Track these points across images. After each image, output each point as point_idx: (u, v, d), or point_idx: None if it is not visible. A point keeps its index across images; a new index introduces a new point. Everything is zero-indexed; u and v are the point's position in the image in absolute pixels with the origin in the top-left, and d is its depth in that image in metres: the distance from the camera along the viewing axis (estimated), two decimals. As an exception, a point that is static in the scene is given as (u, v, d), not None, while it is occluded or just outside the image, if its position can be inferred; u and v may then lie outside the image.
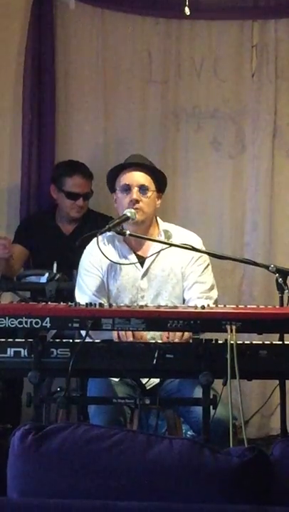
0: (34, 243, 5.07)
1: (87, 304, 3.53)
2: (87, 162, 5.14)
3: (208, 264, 4.03)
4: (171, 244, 3.92)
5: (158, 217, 4.10)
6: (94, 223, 4.70)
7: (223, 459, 2.13)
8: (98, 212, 5.14)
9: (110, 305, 3.56)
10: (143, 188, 3.98)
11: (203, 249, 3.97)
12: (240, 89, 5.41)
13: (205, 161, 5.45)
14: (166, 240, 3.95)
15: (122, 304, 3.79)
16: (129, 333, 3.69)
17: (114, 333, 3.68)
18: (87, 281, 3.99)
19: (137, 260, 3.98)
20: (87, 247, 3.99)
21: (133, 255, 4.01)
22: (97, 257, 3.92)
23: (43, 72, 5.34)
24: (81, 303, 3.59)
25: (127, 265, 3.96)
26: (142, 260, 3.98)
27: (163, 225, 4.08)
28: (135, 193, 3.96)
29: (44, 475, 2.16)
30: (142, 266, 4.00)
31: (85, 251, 4.01)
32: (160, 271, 4.00)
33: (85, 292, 3.97)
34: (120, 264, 3.96)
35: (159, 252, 3.96)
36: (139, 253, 4.02)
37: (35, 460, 2.17)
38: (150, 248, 4.01)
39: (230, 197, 5.45)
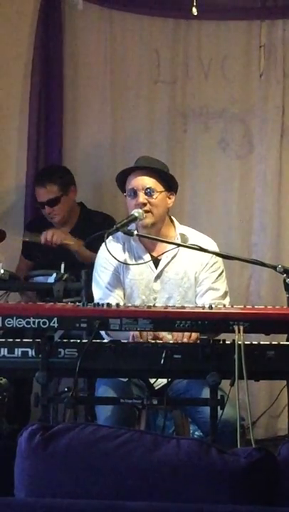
0: (38, 246, 5.05)
1: (94, 304, 3.54)
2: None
3: (222, 271, 4.01)
4: (179, 245, 3.92)
5: (175, 219, 4.10)
6: (92, 222, 4.71)
7: (231, 460, 2.13)
8: (96, 210, 5.12)
9: (118, 305, 3.56)
10: (149, 191, 3.97)
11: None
12: (248, 90, 5.40)
13: (212, 161, 5.45)
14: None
15: (134, 303, 3.79)
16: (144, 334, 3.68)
17: (131, 334, 3.67)
18: (103, 277, 3.99)
19: (150, 259, 3.97)
20: (103, 244, 3.98)
21: (148, 255, 4.00)
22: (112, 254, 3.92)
23: (51, 73, 5.34)
24: (97, 298, 3.58)
25: (141, 265, 3.96)
26: (155, 260, 3.98)
27: (180, 228, 4.07)
28: (141, 197, 3.95)
29: (51, 475, 2.17)
30: (156, 268, 4.00)
31: (101, 247, 4.00)
32: (174, 274, 3.99)
33: (101, 287, 3.98)
34: (128, 264, 3.96)
35: (174, 256, 3.96)
36: (154, 254, 4.02)
37: (42, 460, 2.17)
38: (165, 250, 4.00)
39: (237, 197, 5.44)
